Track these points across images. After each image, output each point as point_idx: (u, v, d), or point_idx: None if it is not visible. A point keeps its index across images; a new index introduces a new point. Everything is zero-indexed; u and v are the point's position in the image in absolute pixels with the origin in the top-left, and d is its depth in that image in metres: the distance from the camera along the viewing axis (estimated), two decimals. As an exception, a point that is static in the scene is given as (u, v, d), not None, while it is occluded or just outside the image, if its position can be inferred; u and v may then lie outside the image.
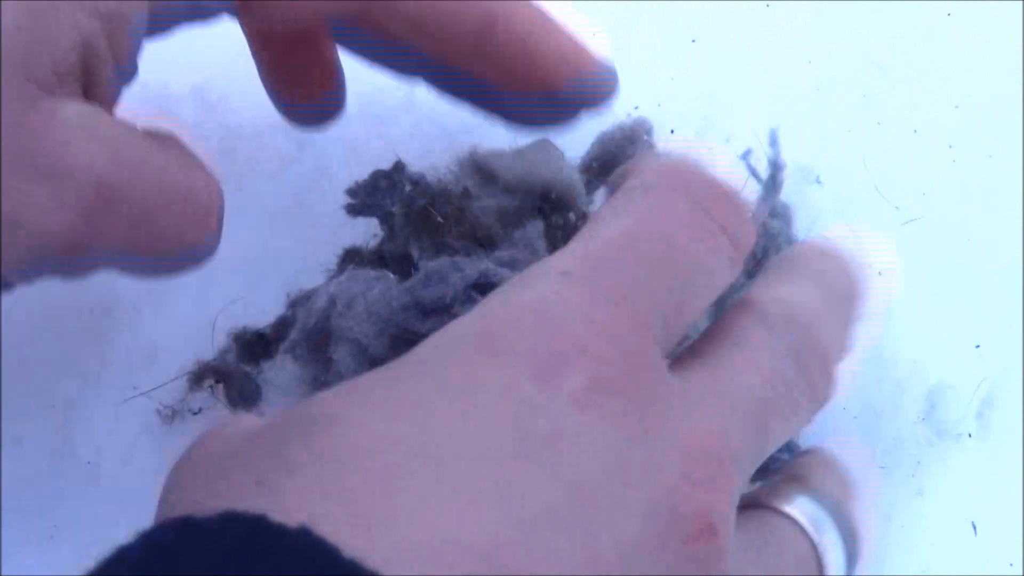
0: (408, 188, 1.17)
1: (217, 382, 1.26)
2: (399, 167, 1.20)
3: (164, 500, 0.46)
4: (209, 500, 0.43)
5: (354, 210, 1.22)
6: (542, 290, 0.53)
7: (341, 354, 1.09)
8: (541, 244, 1.13)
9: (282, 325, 1.27)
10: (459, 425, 0.42)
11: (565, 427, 0.44)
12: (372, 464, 0.40)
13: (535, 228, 1.14)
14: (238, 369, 1.27)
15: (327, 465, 0.42)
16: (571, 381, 0.46)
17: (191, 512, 0.40)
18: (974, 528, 1.20)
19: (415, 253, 1.16)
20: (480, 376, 0.45)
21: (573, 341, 0.49)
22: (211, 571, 0.37)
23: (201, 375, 1.27)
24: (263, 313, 1.29)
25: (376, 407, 0.43)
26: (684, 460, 0.49)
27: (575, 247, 0.59)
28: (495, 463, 0.41)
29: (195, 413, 1.30)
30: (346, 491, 0.41)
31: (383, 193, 1.19)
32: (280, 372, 1.28)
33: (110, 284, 1.37)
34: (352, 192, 1.23)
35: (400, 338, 1.07)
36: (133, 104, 1.48)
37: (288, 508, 0.41)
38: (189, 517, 0.40)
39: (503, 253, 1.11)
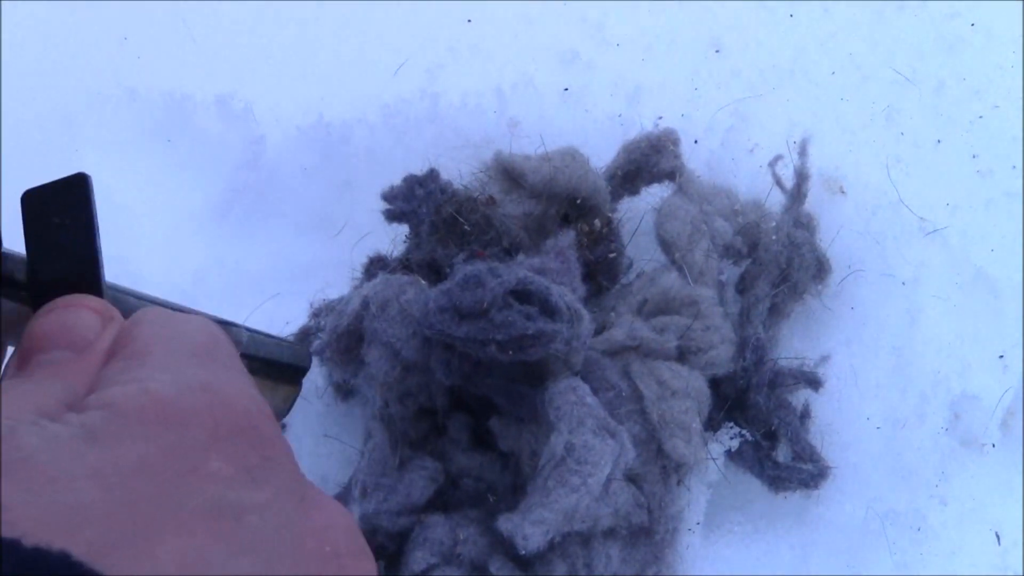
0: (439, 196, 1.17)
1: (240, 391, 1.26)
2: (433, 175, 1.20)
3: None
4: None
5: (392, 216, 1.22)
6: (196, 361, 0.53)
7: (373, 356, 1.10)
8: (572, 253, 1.13)
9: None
10: (164, 504, 0.46)
11: (249, 500, 0.48)
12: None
13: (567, 237, 1.14)
14: (261, 378, 1.27)
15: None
16: (247, 457, 0.49)
17: None
18: (998, 538, 1.20)
19: (441, 260, 1.16)
20: (171, 456, 0.48)
21: (244, 416, 0.52)
22: None
23: (224, 384, 1.27)
24: (286, 323, 1.30)
25: (90, 474, 0.45)
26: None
27: None
28: (201, 541, 0.45)
29: (218, 422, 1.30)
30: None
31: (419, 200, 1.18)
32: (303, 381, 1.28)
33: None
34: (388, 197, 1.23)
35: (433, 340, 1.08)
36: (157, 114, 1.49)
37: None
38: None
39: (535, 261, 1.11)
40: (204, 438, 0.48)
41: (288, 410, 0.81)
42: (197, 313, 0.67)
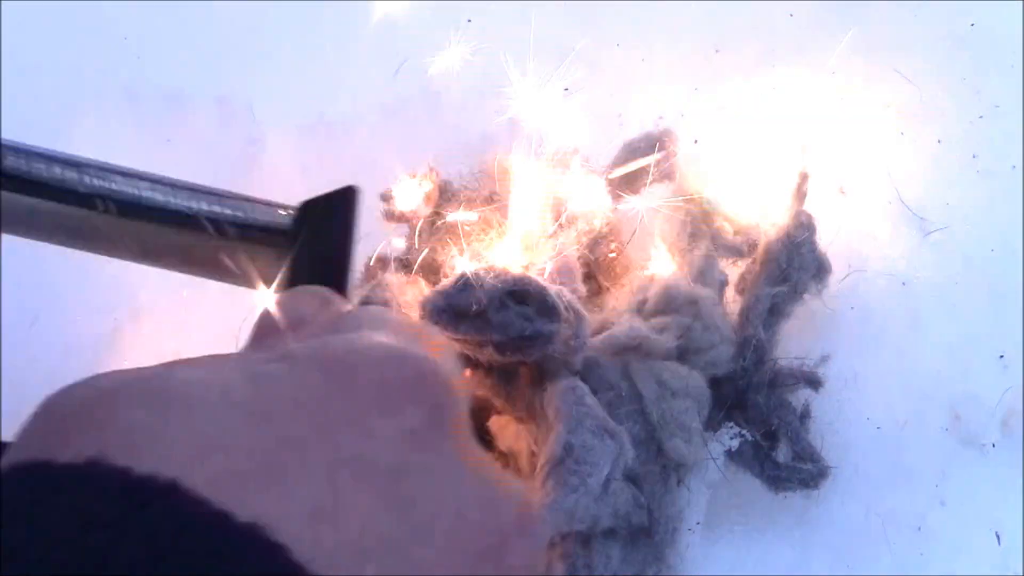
0: (438, 196, 1.17)
1: (240, 391, 1.25)
2: (432, 175, 1.20)
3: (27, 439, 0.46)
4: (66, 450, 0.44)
5: (390, 216, 1.22)
6: (388, 335, 0.54)
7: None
8: (573, 253, 1.13)
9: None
10: (311, 449, 0.46)
11: (407, 463, 0.48)
12: (236, 458, 0.44)
13: (567, 237, 1.14)
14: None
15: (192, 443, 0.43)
16: (413, 419, 0.49)
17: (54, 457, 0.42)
18: (998, 538, 1.20)
19: (441, 260, 1.16)
20: (330, 404, 0.48)
21: (418, 380, 0.51)
22: (76, 515, 0.38)
23: (224, 384, 1.26)
24: (286, 322, 1.30)
25: (238, 407, 0.46)
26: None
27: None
28: (341, 491, 0.45)
29: (218, 422, 1.30)
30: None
31: (417, 201, 1.19)
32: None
33: (132, 293, 1.38)
34: (386, 198, 1.23)
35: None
36: (157, 113, 1.49)
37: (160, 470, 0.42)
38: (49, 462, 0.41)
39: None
40: (370, 394, 0.48)
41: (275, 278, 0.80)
42: None
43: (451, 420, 0.51)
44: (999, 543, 1.18)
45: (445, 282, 1.01)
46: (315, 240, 0.64)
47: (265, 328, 0.58)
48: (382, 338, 0.53)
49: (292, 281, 0.64)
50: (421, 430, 0.49)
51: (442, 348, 0.56)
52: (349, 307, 0.60)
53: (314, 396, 0.47)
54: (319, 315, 0.58)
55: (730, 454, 1.17)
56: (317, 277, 0.62)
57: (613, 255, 1.21)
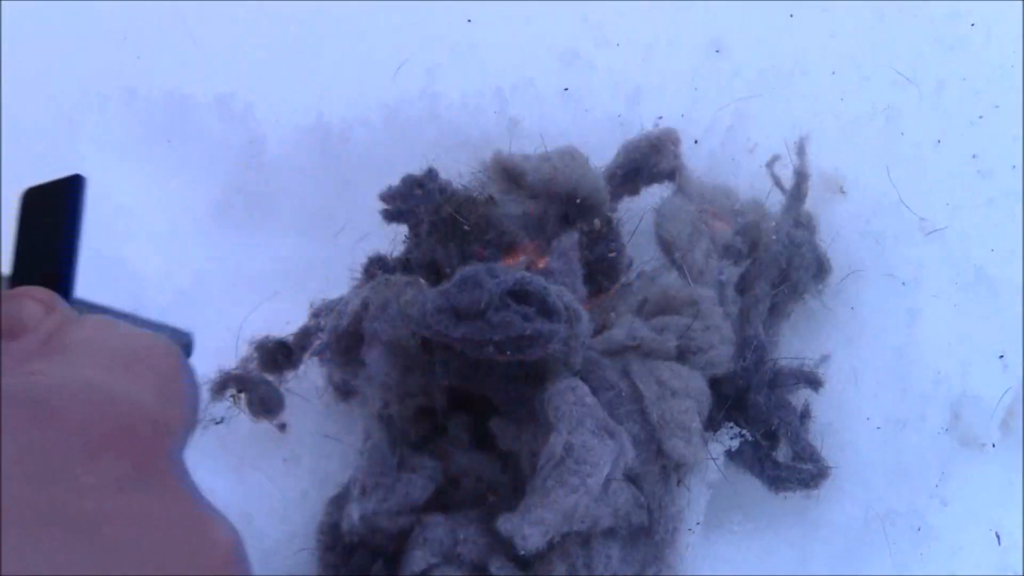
0: (438, 196, 1.17)
1: (239, 391, 1.25)
2: (432, 174, 1.20)
3: None
4: None
5: (390, 216, 1.22)
6: (103, 364, 0.53)
7: (373, 357, 1.09)
8: (575, 254, 1.13)
9: (305, 334, 1.26)
10: (12, 505, 0.45)
11: (113, 511, 0.46)
12: None
13: (570, 238, 1.14)
14: (260, 378, 1.27)
15: None
16: (119, 467, 0.48)
17: None
18: (998, 538, 1.20)
19: (441, 260, 1.16)
20: (34, 454, 0.46)
21: (124, 426, 0.51)
22: None
23: (223, 384, 1.26)
24: (286, 323, 1.30)
25: None
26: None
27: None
28: (40, 549, 0.44)
29: (217, 423, 1.30)
30: None
31: (417, 200, 1.18)
32: (303, 381, 1.28)
33: (135, 293, 1.37)
34: (387, 198, 1.22)
35: (432, 341, 1.08)
36: (157, 114, 1.48)
37: None
38: None
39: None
40: (76, 442, 0.47)
41: None
42: (164, 328, 0.69)
43: (160, 464, 0.50)
44: (999, 543, 1.18)
45: (446, 282, 1.01)
46: (36, 234, 0.62)
47: None
48: (93, 373, 0.51)
49: (15, 278, 0.61)
50: (129, 477, 0.48)
51: (163, 364, 0.55)
52: (71, 313, 0.58)
53: (18, 445, 0.45)
54: (41, 323, 0.56)
55: (730, 454, 1.17)
56: (39, 276, 0.61)
57: (613, 255, 1.21)
